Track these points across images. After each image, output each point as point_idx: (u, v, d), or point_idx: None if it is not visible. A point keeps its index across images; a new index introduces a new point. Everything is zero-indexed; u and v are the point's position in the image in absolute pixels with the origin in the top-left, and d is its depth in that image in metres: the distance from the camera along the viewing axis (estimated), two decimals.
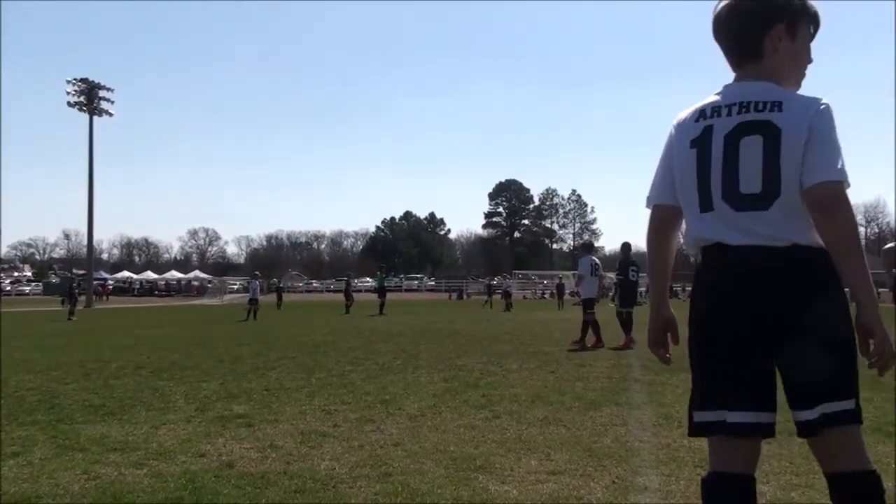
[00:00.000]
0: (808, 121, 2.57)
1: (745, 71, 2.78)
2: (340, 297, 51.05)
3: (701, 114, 2.77)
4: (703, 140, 2.71)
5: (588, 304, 16.69)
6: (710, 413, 2.67)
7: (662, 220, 2.91)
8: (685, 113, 2.85)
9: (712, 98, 2.79)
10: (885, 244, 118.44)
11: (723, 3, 2.80)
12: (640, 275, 17.43)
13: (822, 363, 2.54)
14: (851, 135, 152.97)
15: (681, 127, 2.82)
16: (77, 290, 38.14)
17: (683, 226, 2.89)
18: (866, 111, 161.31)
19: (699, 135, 2.73)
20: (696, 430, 2.74)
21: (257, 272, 40.13)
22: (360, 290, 77.59)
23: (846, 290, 2.59)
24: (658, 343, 2.93)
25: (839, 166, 2.55)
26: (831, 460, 2.59)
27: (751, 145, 2.61)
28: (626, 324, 16.35)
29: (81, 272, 72.20)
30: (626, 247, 18.04)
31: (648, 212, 2.98)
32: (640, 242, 21.37)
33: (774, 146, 2.58)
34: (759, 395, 2.62)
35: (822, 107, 2.61)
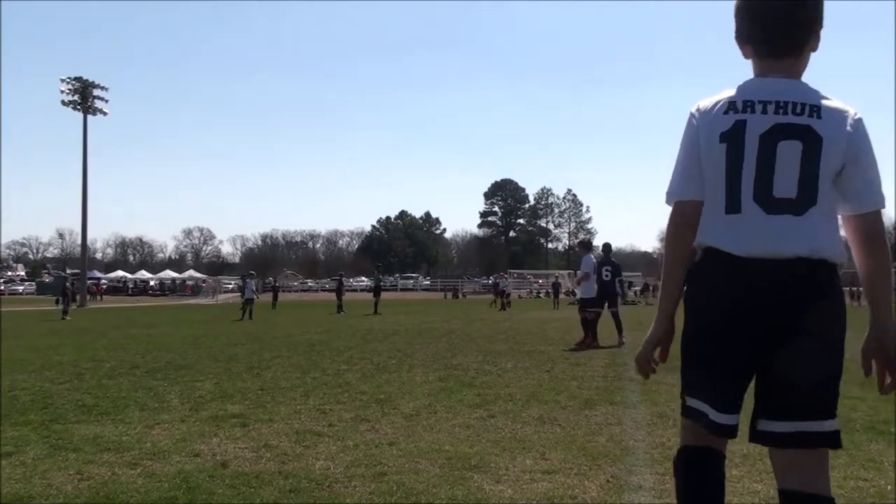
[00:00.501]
0: (847, 135, 2.55)
1: (779, 64, 2.66)
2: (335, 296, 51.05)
3: (731, 106, 2.64)
4: (735, 136, 2.59)
5: (587, 304, 16.63)
6: (700, 403, 2.69)
7: (688, 217, 2.72)
8: (709, 102, 2.72)
9: (738, 91, 2.68)
10: None
11: None
12: (619, 278, 17.33)
13: (822, 380, 2.55)
14: None
15: (707, 117, 2.68)
16: (71, 290, 38.02)
17: None
18: (866, 109, 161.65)
19: (730, 129, 2.61)
20: (687, 412, 2.77)
21: (252, 271, 40.16)
22: (354, 290, 77.69)
23: (872, 311, 2.62)
24: (650, 355, 2.81)
25: (882, 190, 2.59)
26: (796, 479, 2.58)
27: (789, 149, 2.54)
28: (591, 324, 16.29)
29: (75, 271, 72.07)
30: (606, 247, 17.97)
31: (669, 208, 2.80)
32: (634, 242, 21.32)
33: (815, 155, 2.53)
34: (739, 400, 2.66)
35: (859, 119, 2.60)
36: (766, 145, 2.55)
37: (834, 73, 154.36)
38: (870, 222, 2.58)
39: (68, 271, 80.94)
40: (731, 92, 2.69)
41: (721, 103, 2.66)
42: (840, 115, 2.57)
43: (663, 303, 2.81)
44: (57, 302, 36.01)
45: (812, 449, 2.56)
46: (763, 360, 2.58)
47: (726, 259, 2.58)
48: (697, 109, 2.74)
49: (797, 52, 2.66)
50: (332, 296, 41.75)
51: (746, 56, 2.77)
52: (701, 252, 2.71)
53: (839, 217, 2.63)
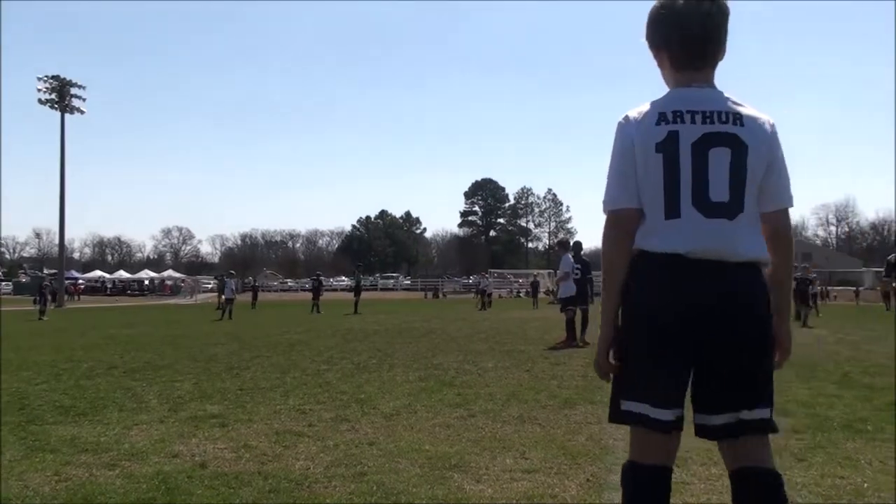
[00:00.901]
0: (768, 142, 2.76)
1: (698, 74, 2.82)
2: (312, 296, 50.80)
3: (662, 117, 2.75)
4: (670, 146, 2.71)
5: (566, 303, 16.68)
6: (638, 405, 2.76)
7: (624, 225, 2.81)
8: (638, 113, 2.83)
9: (665, 102, 2.81)
10: (854, 244, 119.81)
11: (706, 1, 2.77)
12: (589, 276, 17.36)
13: (758, 371, 2.73)
14: (824, 136, 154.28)
15: (641, 129, 2.78)
16: (48, 290, 37.76)
17: None
18: (841, 111, 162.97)
19: (664, 139, 2.72)
20: (621, 416, 2.83)
21: (232, 271, 40.05)
22: (334, 289, 77.53)
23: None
24: (606, 360, 2.87)
25: (791, 191, 2.83)
26: (744, 457, 2.76)
27: (719, 157, 2.70)
28: (569, 323, 16.34)
29: (53, 271, 71.54)
30: (577, 246, 17.98)
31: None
32: None
33: (742, 161, 2.70)
34: (680, 394, 2.74)
35: (774, 125, 2.81)
36: (698, 153, 2.70)
37: (834, 74, 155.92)
38: (781, 220, 2.82)
39: (46, 271, 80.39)
40: (657, 102, 2.82)
41: (651, 114, 2.78)
42: (759, 122, 2.78)
43: (606, 307, 2.88)
44: (35, 302, 35.69)
45: (759, 437, 2.74)
46: (701, 357, 2.70)
47: (666, 261, 2.70)
48: (627, 119, 2.83)
49: (713, 61, 2.84)
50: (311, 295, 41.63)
51: (660, 62, 2.92)
52: (639, 256, 2.80)
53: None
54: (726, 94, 2.81)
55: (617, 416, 2.85)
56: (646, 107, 2.82)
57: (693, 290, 2.66)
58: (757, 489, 2.73)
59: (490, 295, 48.04)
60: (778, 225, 2.82)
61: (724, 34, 2.82)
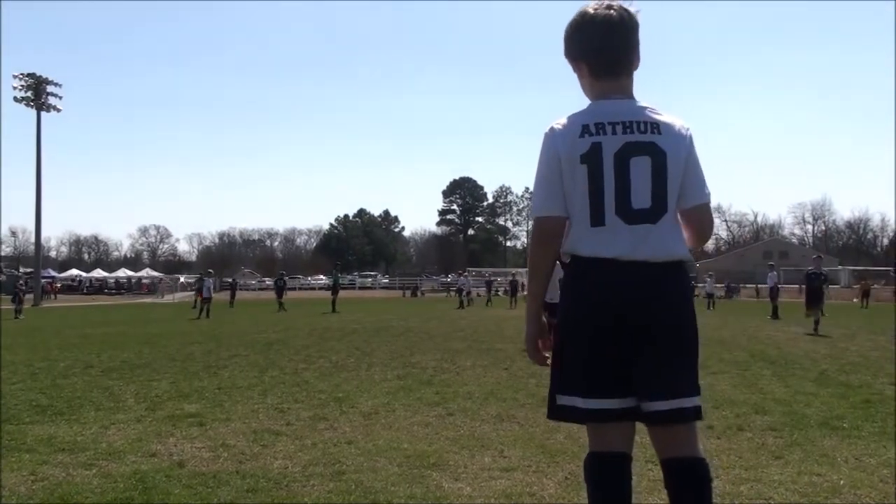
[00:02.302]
0: (685, 147, 2.95)
1: (617, 84, 3.00)
2: (295, 294, 50.50)
3: (585, 129, 2.91)
4: (594, 157, 2.87)
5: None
6: (571, 398, 2.92)
7: (549, 231, 2.98)
8: (562, 126, 2.97)
9: (588, 114, 2.98)
10: (830, 243, 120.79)
11: (617, 13, 2.96)
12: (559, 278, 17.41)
13: (686, 359, 2.94)
14: (801, 135, 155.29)
15: (566, 141, 2.92)
16: (24, 289, 37.47)
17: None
18: (817, 110, 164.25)
19: (588, 151, 2.88)
20: (556, 412, 2.98)
21: (210, 270, 39.90)
22: (313, 288, 77.33)
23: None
24: (537, 350, 3.09)
25: (707, 188, 3.02)
26: (674, 447, 2.92)
27: (641, 165, 2.87)
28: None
29: (28, 270, 71.01)
30: None
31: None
32: None
33: (662, 168, 2.88)
34: (617, 385, 2.88)
35: (689, 130, 3.01)
36: (621, 163, 2.87)
37: (834, 74, 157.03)
38: (701, 214, 3.02)
39: (22, 270, 79.74)
40: (580, 114, 2.98)
41: (575, 126, 2.93)
42: (675, 129, 2.96)
43: (531, 306, 3.09)
44: (13, 300, 35.33)
45: (687, 424, 2.92)
46: (632, 351, 2.85)
47: (594, 265, 2.89)
48: (553, 131, 2.98)
49: (628, 69, 3.02)
50: (290, 294, 41.53)
51: (580, 73, 3.09)
52: (570, 261, 2.99)
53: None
54: (644, 104, 2.99)
55: (552, 412, 3.01)
56: (567, 118, 2.98)
57: (620, 291, 2.84)
58: (687, 479, 2.91)
59: (469, 294, 48.04)
60: (699, 219, 3.03)
61: (636, 43, 3.02)
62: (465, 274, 56.83)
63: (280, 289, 41.48)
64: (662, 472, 3.01)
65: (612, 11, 2.96)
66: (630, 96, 3.01)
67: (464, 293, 45.79)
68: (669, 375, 2.87)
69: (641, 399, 2.88)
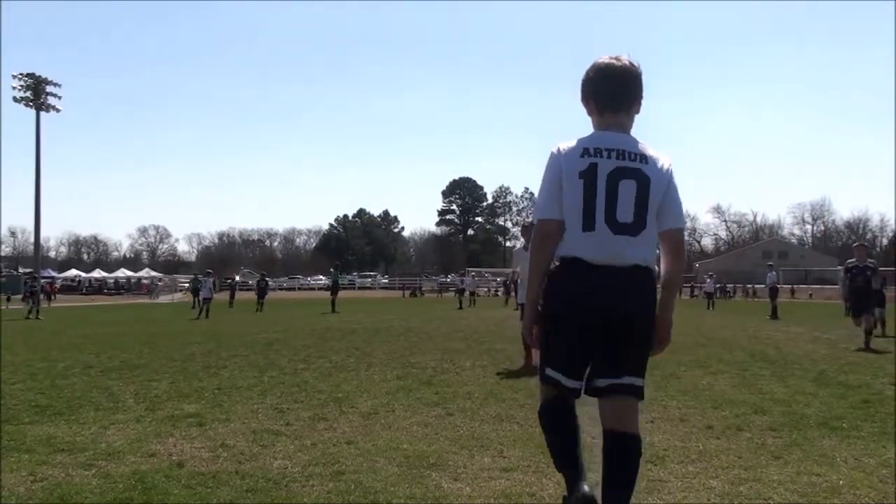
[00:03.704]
0: (667, 177, 3.65)
1: (615, 120, 3.71)
2: (293, 294, 50.34)
3: (585, 151, 3.60)
4: (590, 174, 3.56)
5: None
6: (556, 373, 3.67)
7: (549, 231, 3.66)
8: (567, 147, 3.67)
9: (589, 140, 3.67)
10: (830, 243, 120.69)
11: (622, 63, 3.71)
12: None
13: (642, 350, 3.63)
14: (800, 135, 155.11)
15: (569, 159, 3.62)
16: (33, 289, 37.40)
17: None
18: (821, 112, 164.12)
19: (586, 169, 3.57)
20: (545, 378, 3.72)
21: (209, 270, 39.91)
22: (312, 288, 77.20)
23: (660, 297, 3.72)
24: (531, 333, 3.80)
25: (683, 215, 3.76)
26: (616, 420, 3.61)
27: (627, 187, 3.55)
28: None
29: (28, 270, 70.84)
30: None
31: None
32: None
33: (644, 192, 3.57)
34: (583, 371, 3.67)
35: (671, 164, 3.70)
36: (612, 182, 3.55)
37: (834, 74, 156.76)
38: (677, 236, 3.72)
39: (21, 270, 79.62)
40: (583, 139, 3.67)
41: (577, 148, 3.63)
42: (659, 161, 3.66)
43: (530, 296, 3.76)
44: (27, 300, 35.12)
45: (631, 400, 3.62)
46: (601, 336, 3.55)
47: (582, 265, 3.56)
48: (559, 151, 3.68)
49: (627, 109, 3.73)
50: (289, 294, 41.50)
51: (589, 111, 3.80)
52: (559, 260, 3.65)
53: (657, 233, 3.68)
54: (637, 139, 3.69)
55: (543, 377, 3.75)
56: (574, 142, 3.67)
57: (596, 288, 3.53)
58: (621, 450, 3.58)
59: (473, 294, 48.12)
60: (675, 240, 3.71)
61: (638, 90, 3.75)
62: (473, 274, 56.76)
63: (262, 290, 41.78)
64: (603, 441, 3.63)
65: (616, 62, 3.71)
66: (626, 131, 3.72)
67: (465, 293, 45.77)
68: (632, 358, 3.61)
69: (598, 375, 3.62)
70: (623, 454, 3.57)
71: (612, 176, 3.54)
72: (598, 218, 3.53)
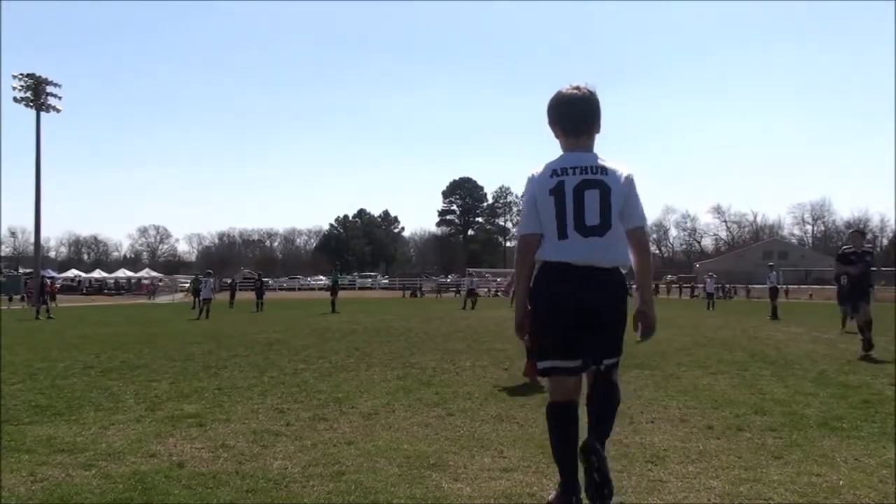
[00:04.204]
0: (626, 185, 4.29)
1: (579, 142, 4.37)
2: (293, 295, 50.20)
3: (554, 172, 4.30)
4: (559, 191, 4.24)
5: None
6: (550, 362, 4.34)
7: (529, 244, 4.38)
8: (538, 171, 4.38)
9: (557, 162, 4.36)
10: (830, 243, 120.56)
11: (582, 93, 4.36)
12: None
13: (618, 335, 4.32)
14: (801, 136, 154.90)
15: (540, 181, 4.33)
16: (49, 288, 37.51)
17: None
18: (821, 113, 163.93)
19: (555, 186, 4.25)
20: (543, 371, 4.42)
21: (209, 270, 39.96)
22: (312, 288, 77.16)
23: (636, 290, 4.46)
24: (522, 330, 4.48)
25: (644, 215, 4.37)
26: (599, 375, 4.34)
27: (592, 196, 4.22)
28: None
29: (28, 270, 70.88)
30: None
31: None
32: None
33: (607, 198, 4.22)
34: (578, 350, 4.27)
35: (630, 175, 4.33)
36: (578, 194, 4.23)
37: (834, 74, 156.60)
38: (638, 234, 4.34)
39: (21, 270, 79.60)
40: (551, 163, 4.36)
41: (547, 171, 4.33)
42: (618, 172, 4.30)
43: (519, 298, 4.46)
44: (39, 300, 35.08)
45: (615, 369, 4.39)
46: (584, 326, 4.21)
47: (559, 267, 4.25)
48: (532, 176, 4.40)
49: (588, 131, 4.40)
50: (289, 294, 41.56)
51: (556, 134, 4.47)
52: (540, 265, 4.35)
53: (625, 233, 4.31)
54: (598, 155, 4.34)
55: (542, 372, 4.44)
56: (542, 167, 4.38)
57: (577, 285, 4.20)
58: (603, 387, 4.34)
59: (476, 294, 48.11)
60: (637, 237, 4.34)
61: (596, 115, 4.41)
62: (482, 275, 56.74)
63: (258, 290, 42.14)
64: (588, 390, 4.38)
65: (577, 92, 4.37)
66: (589, 150, 4.37)
67: (472, 293, 45.73)
68: (612, 343, 4.30)
69: (595, 359, 4.28)
70: (606, 389, 4.35)
71: (577, 188, 4.22)
72: (568, 225, 4.21)
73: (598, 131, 4.41)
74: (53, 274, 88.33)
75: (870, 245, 16.39)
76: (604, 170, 4.25)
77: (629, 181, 4.29)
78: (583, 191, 4.20)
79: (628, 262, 4.31)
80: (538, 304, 4.34)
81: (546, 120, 4.49)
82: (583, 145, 4.36)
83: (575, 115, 4.36)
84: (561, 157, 4.37)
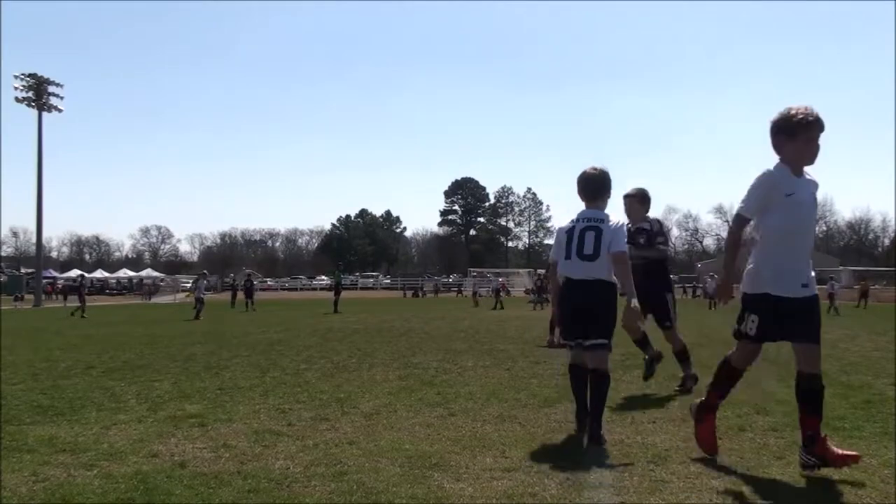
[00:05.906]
0: (614, 229, 6.37)
1: (592, 204, 6.60)
2: (295, 295, 50.10)
3: (571, 221, 6.57)
4: (570, 231, 6.49)
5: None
6: (570, 340, 6.62)
7: (553, 265, 6.72)
8: (564, 224, 6.69)
9: (577, 216, 6.57)
10: (832, 243, 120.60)
11: (597, 172, 6.59)
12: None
13: (602, 324, 6.32)
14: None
15: (562, 229, 6.64)
16: (83, 289, 37.77)
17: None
18: (821, 112, 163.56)
19: (569, 229, 6.53)
20: (565, 344, 6.75)
21: (205, 271, 40.09)
22: (314, 289, 77.07)
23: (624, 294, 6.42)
24: (559, 319, 6.82)
25: (626, 243, 6.44)
26: (592, 360, 6.37)
27: (590, 235, 6.36)
28: (551, 323, 16.23)
29: (30, 270, 70.90)
30: None
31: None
32: None
33: (599, 237, 6.32)
34: (579, 334, 6.45)
35: (619, 222, 6.48)
36: (581, 235, 6.39)
37: (834, 73, 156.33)
38: (617, 255, 6.30)
39: (23, 270, 79.62)
40: (574, 218, 6.58)
41: (569, 223, 6.58)
42: (611, 221, 6.43)
43: (554, 301, 6.91)
44: (66, 298, 35.35)
45: (600, 350, 6.35)
46: (582, 318, 6.35)
47: (566, 280, 6.49)
48: (561, 227, 6.71)
49: (602, 198, 6.63)
50: (291, 294, 41.68)
51: (581, 198, 6.67)
52: (560, 278, 6.57)
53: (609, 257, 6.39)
54: (602, 212, 6.53)
55: (563, 342, 6.84)
56: (571, 220, 6.59)
57: (578, 292, 6.39)
58: (595, 379, 6.36)
59: (476, 294, 48.16)
60: (616, 256, 6.30)
61: (605, 188, 6.63)
62: (483, 275, 56.79)
63: (248, 290, 42.23)
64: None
65: (594, 171, 6.60)
66: (599, 209, 6.57)
67: (499, 293, 45.77)
68: (595, 329, 6.31)
69: (580, 339, 6.42)
70: (597, 378, 6.34)
71: (582, 231, 6.41)
72: (573, 254, 6.39)
73: (608, 196, 6.67)
74: (55, 274, 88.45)
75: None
76: (602, 220, 6.43)
77: (617, 227, 6.41)
78: (584, 232, 6.38)
79: (610, 279, 6.35)
80: (559, 304, 6.65)
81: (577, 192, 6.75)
82: (594, 206, 6.59)
83: (590, 189, 6.59)
84: (580, 212, 6.61)
